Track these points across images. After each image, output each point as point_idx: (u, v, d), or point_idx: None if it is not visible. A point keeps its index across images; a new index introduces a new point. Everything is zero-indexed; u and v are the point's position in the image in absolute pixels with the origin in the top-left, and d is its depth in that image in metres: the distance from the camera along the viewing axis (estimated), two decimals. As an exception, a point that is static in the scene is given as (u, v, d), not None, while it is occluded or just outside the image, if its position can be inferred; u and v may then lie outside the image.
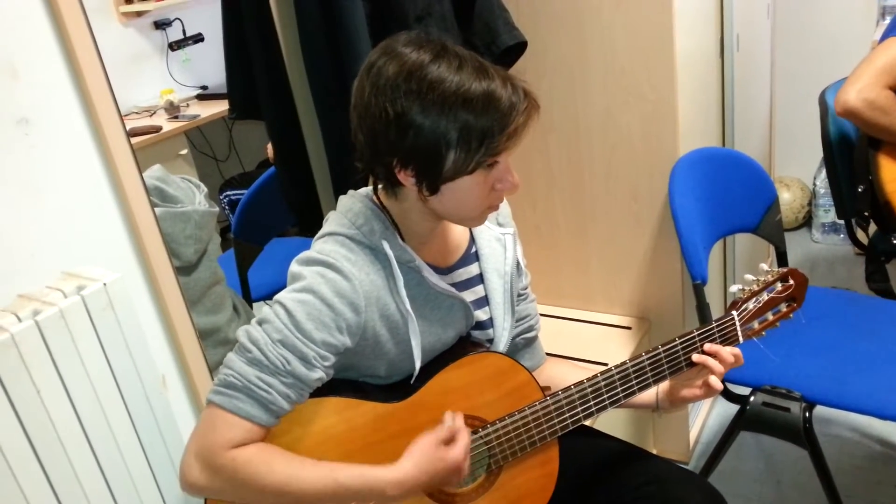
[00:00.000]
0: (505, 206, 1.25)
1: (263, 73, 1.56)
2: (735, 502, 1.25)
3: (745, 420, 1.60)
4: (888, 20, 2.02)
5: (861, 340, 1.68)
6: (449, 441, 1.03)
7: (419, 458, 1.02)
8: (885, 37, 1.89)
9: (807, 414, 1.53)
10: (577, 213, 1.97)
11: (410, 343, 1.07)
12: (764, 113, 2.69)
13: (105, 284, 1.07)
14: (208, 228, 1.51)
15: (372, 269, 1.04)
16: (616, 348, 1.89)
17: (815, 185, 3.17)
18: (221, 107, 2.45)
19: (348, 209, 1.08)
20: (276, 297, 1.01)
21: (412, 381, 1.10)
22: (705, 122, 2.01)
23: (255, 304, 1.75)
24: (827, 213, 3.12)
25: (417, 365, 1.08)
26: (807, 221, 3.30)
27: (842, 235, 3.10)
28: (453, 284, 1.14)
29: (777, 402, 1.56)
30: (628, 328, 1.97)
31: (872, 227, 2.01)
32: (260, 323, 1.00)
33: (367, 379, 1.12)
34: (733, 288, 1.23)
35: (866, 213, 1.97)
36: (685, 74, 1.76)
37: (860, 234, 2.09)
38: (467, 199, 1.02)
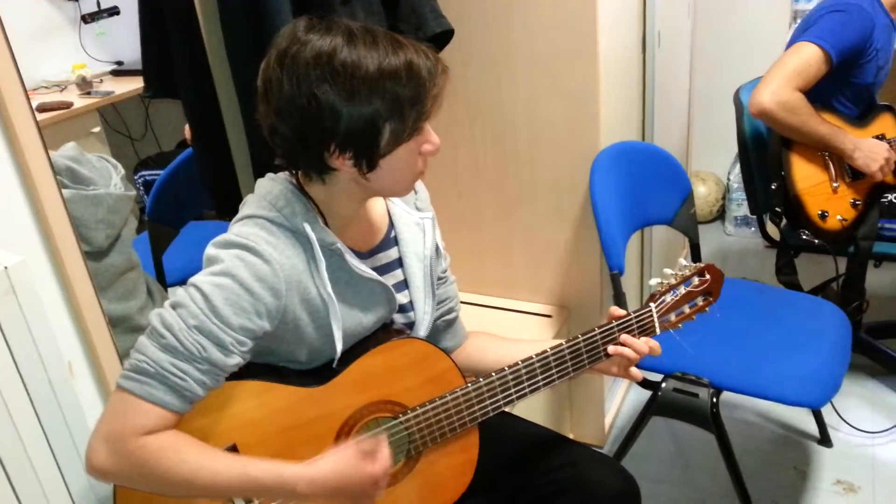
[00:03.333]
0: (423, 191, 1.26)
1: (181, 50, 1.50)
2: (646, 484, 1.29)
3: (657, 405, 1.66)
4: (799, 22, 2.12)
5: (767, 329, 1.77)
6: (371, 455, 1.03)
7: (338, 462, 1.01)
8: (794, 40, 1.98)
9: (714, 399, 1.60)
10: (501, 202, 1.99)
11: (331, 327, 1.07)
12: (682, 108, 2.78)
13: (6, 268, 1.02)
14: (122, 213, 1.44)
15: (293, 252, 1.02)
16: (537, 336, 1.93)
17: (729, 179, 3.30)
18: (137, 84, 2.35)
19: (268, 192, 1.06)
20: (192, 280, 0.98)
21: (333, 367, 1.09)
22: (626, 115, 2.06)
23: (170, 290, 1.70)
24: (739, 207, 3.26)
25: (339, 349, 1.08)
26: (721, 215, 3.43)
27: (753, 229, 3.24)
28: (374, 268, 1.14)
29: (687, 389, 1.63)
30: (549, 316, 2.01)
31: (784, 223, 2.11)
32: (174, 307, 0.97)
33: (288, 364, 1.10)
34: (652, 281, 1.26)
35: (778, 209, 2.06)
36: (608, 69, 1.80)
37: (770, 229, 2.19)
38: (404, 168, 1.04)
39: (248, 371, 1.03)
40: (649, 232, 2.33)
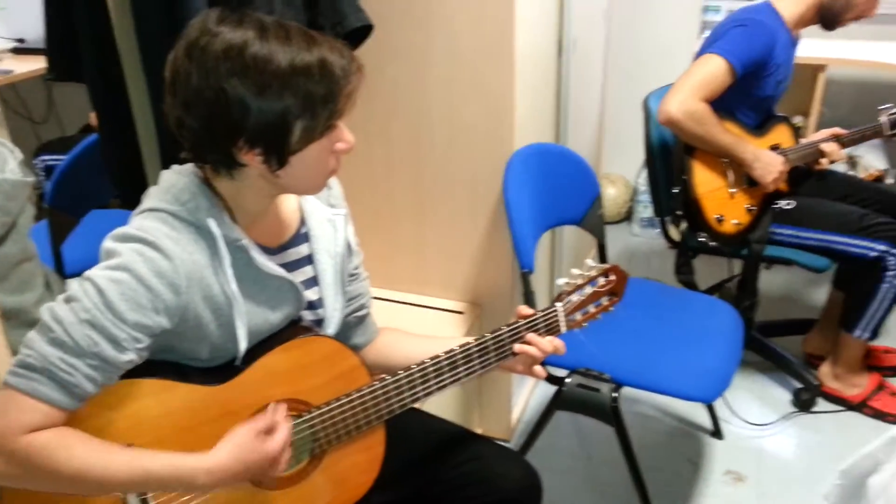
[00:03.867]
0: (337, 187, 1.26)
1: (87, 31, 1.44)
2: (549, 476, 1.34)
3: (561, 400, 1.71)
4: (708, 34, 2.22)
5: (666, 327, 1.85)
6: (268, 432, 1.03)
7: (234, 447, 1.00)
8: (702, 52, 2.08)
9: (614, 395, 1.67)
10: (417, 200, 2.01)
11: (235, 325, 1.06)
12: (595, 112, 2.86)
13: None
14: (19, 200, 1.38)
15: (196, 247, 1.01)
16: (449, 332, 1.95)
17: (637, 182, 3.42)
18: (41, 63, 2.25)
19: (172, 184, 1.04)
20: (87, 273, 0.95)
21: (236, 364, 1.08)
22: (541, 118, 2.11)
23: (68, 282, 1.64)
24: (646, 209, 3.38)
25: (242, 347, 1.07)
26: (629, 216, 3.55)
27: (658, 230, 3.36)
28: (283, 265, 1.14)
29: (590, 384, 1.69)
30: (461, 313, 2.04)
31: (684, 226, 2.21)
32: (67, 300, 0.94)
33: (189, 361, 1.08)
34: (560, 281, 1.29)
35: (679, 212, 2.16)
36: (524, 71, 1.83)
37: (672, 231, 2.29)
38: (315, 166, 1.03)
39: (147, 368, 1.01)
40: (560, 232, 2.40)
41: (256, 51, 0.93)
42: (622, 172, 3.50)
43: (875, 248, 2.04)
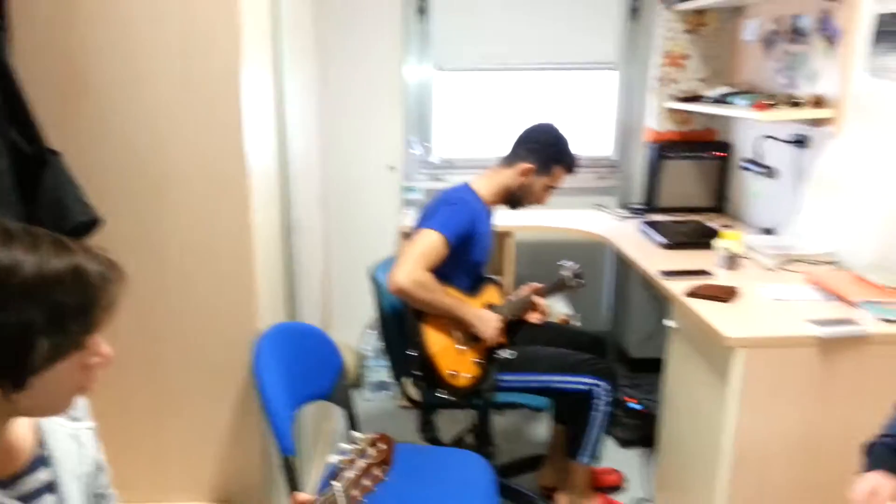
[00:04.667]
0: (80, 398, 1.13)
1: None
2: None
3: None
4: (411, 211, 2.46)
5: (428, 488, 1.89)
6: None
7: None
8: (418, 227, 2.30)
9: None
10: (153, 396, 1.85)
11: None
12: (321, 285, 2.95)
13: None
14: None
15: None
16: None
17: (364, 348, 3.52)
18: None
19: None
20: None
21: None
22: (277, 296, 2.12)
23: None
24: (376, 373, 3.48)
25: None
26: (359, 381, 3.61)
27: (389, 392, 3.47)
28: (19, 498, 0.97)
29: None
30: (214, 513, 1.87)
31: (422, 384, 2.31)
32: None
33: None
34: (332, 458, 1.26)
35: (417, 373, 2.27)
36: (260, 254, 1.85)
37: (411, 391, 2.38)
38: (62, 386, 0.92)
39: None
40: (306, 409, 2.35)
41: None
42: (349, 340, 3.59)
43: (584, 382, 2.33)
